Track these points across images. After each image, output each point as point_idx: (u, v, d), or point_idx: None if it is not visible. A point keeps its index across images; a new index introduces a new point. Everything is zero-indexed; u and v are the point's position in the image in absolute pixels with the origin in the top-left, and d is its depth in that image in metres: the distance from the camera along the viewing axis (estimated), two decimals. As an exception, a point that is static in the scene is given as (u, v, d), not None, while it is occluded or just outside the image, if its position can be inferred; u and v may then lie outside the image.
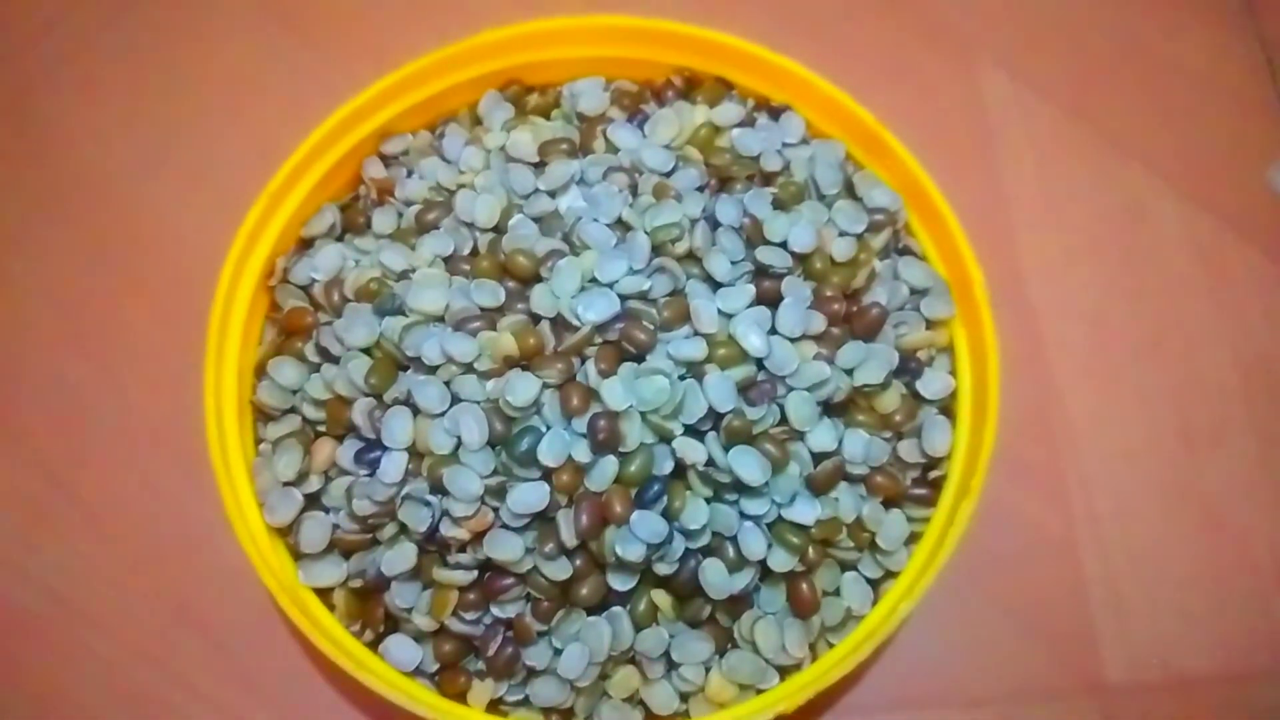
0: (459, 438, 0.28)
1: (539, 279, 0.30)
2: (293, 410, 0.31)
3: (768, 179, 0.32)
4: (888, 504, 0.30)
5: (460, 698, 0.28)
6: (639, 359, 0.28)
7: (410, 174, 0.34)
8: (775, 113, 0.34)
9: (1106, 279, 0.38)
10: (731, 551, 0.28)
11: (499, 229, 0.31)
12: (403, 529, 0.28)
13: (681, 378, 0.28)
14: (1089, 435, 0.35)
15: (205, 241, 0.33)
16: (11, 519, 0.34)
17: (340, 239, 0.33)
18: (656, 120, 0.33)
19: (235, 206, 0.32)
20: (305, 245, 0.33)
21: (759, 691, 0.28)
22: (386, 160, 0.34)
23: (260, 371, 0.31)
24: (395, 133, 0.34)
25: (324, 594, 0.29)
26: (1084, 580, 0.33)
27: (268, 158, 0.32)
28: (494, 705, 0.28)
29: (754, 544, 0.28)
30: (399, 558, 0.28)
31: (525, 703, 0.29)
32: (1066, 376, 0.36)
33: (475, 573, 0.28)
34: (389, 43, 0.35)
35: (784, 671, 0.29)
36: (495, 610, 0.28)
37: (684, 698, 0.29)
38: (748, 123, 0.34)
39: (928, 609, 0.33)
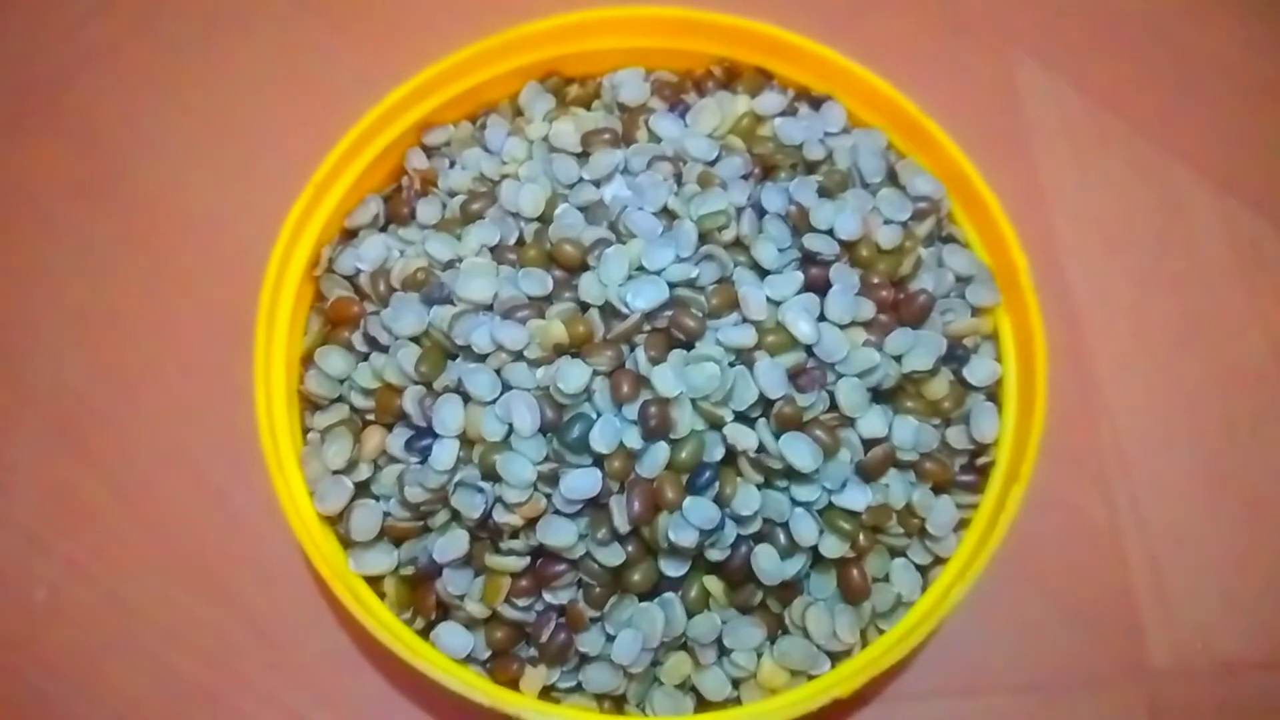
0: (510, 425, 0.28)
1: (586, 267, 0.30)
2: (340, 399, 0.31)
3: (811, 168, 0.33)
4: (937, 490, 0.30)
5: (513, 684, 0.28)
6: (688, 346, 0.28)
7: (453, 165, 0.34)
8: (816, 102, 0.34)
9: (1145, 269, 0.38)
10: (783, 538, 0.28)
11: (544, 218, 0.31)
12: (455, 516, 0.28)
13: (731, 364, 0.28)
14: (1130, 423, 0.36)
15: (246, 233, 0.33)
16: (57, 510, 0.34)
17: (384, 229, 0.33)
18: (698, 110, 0.33)
19: (276, 199, 0.32)
20: (349, 236, 0.33)
21: (810, 677, 0.28)
22: (429, 151, 0.34)
23: (307, 361, 0.31)
24: (437, 124, 0.34)
25: (374, 582, 0.29)
26: (1128, 566, 0.34)
27: (308, 150, 0.32)
28: (546, 692, 0.28)
29: (805, 530, 0.28)
30: (451, 544, 0.28)
31: (578, 689, 0.28)
32: (1107, 365, 0.36)
33: (528, 559, 0.28)
34: (428, 36, 0.35)
35: (835, 657, 0.29)
36: (548, 596, 0.28)
37: (735, 684, 0.29)
38: (789, 112, 0.34)
39: (973, 596, 0.33)
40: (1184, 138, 0.40)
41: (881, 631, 0.29)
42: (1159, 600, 0.33)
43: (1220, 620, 0.33)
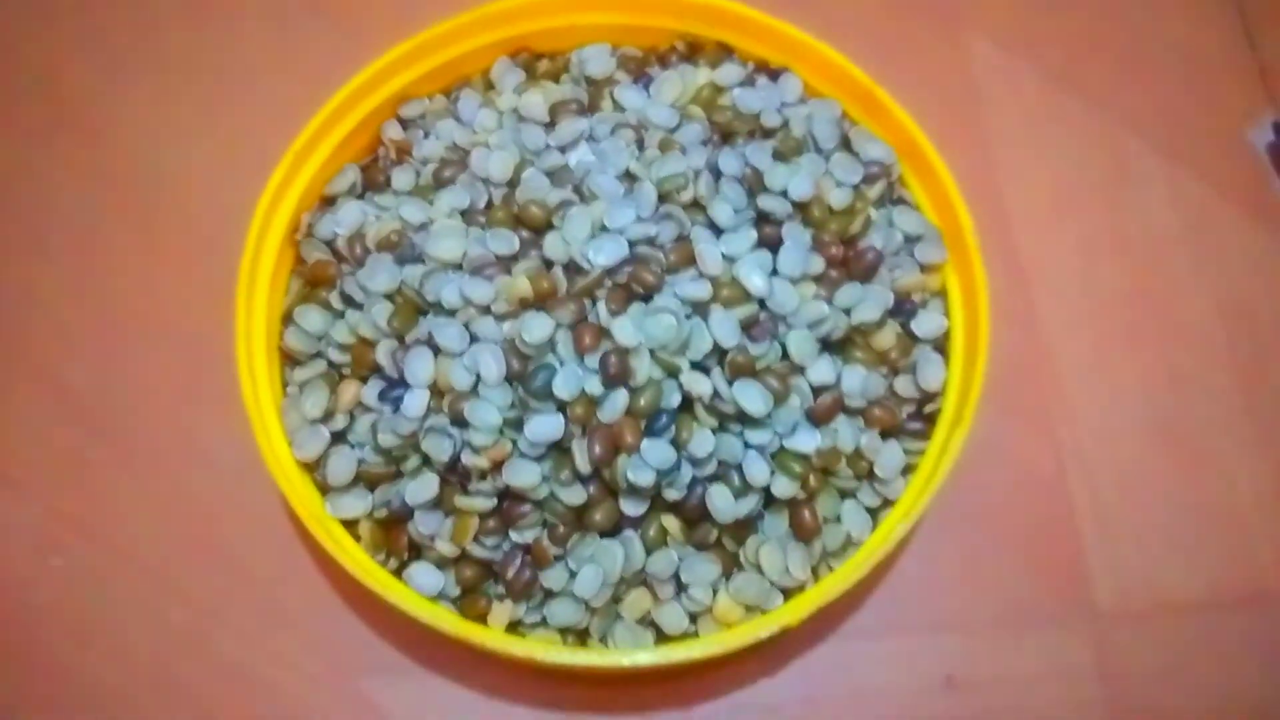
0: (478, 374, 0.29)
1: (551, 227, 0.31)
2: (318, 355, 0.32)
3: (768, 134, 0.34)
4: (885, 435, 0.31)
5: (481, 620, 0.30)
6: (647, 299, 0.30)
7: (427, 135, 0.35)
8: (774, 74, 0.36)
9: (1093, 233, 0.39)
10: (736, 478, 0.29)
11: (512, 183, 0.33)
12: (425, 460, 0.30)
13: (688, 316, 0.29)
14: (1077, 378, 0.37)
15: (231, 202, 0.34)
16: (51, 464, 0.35)
17: (361, 197, 0.35)
18: (661, 82, 0.35)
19: (259, 170, 0.33)
20: (328, 203, 0.35)
21: (764, 612, 0.30)
22: (404, 123, 0.36)
23: (287, 319, 0.33)
24: (412, 97, 0.36)
25: (350, 526, 0.31)
26: (1074, 513, 0.35)
27: (290, 123, 0.34)
28: (513, 626, 0.30)
29: (757, 471, 0.29)
30: (422, 488, 0.30)
31: (543, 623, 0.30)
32: (1055, 325, 0.38)
33: (495, 500, 0.29)
34: (404, 13, 0.36)
35: (787, 593, 0.30)
36: (514, 535, 0.29)
37: (693, 618, 0.30)
38: (748, 83, 0.35)
39: (926, 540, 0.34)
40: (1134, 109, 0.41)
41: (832, 569, 0.30)
42: (1104, 544, 0.35)
43: (1163, 563, 0.34)
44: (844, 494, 0.31)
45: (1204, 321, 0.38)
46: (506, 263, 0.31)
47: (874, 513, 0.31)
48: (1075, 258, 0.39)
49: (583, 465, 0.28)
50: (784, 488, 0.29)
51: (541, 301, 0.30)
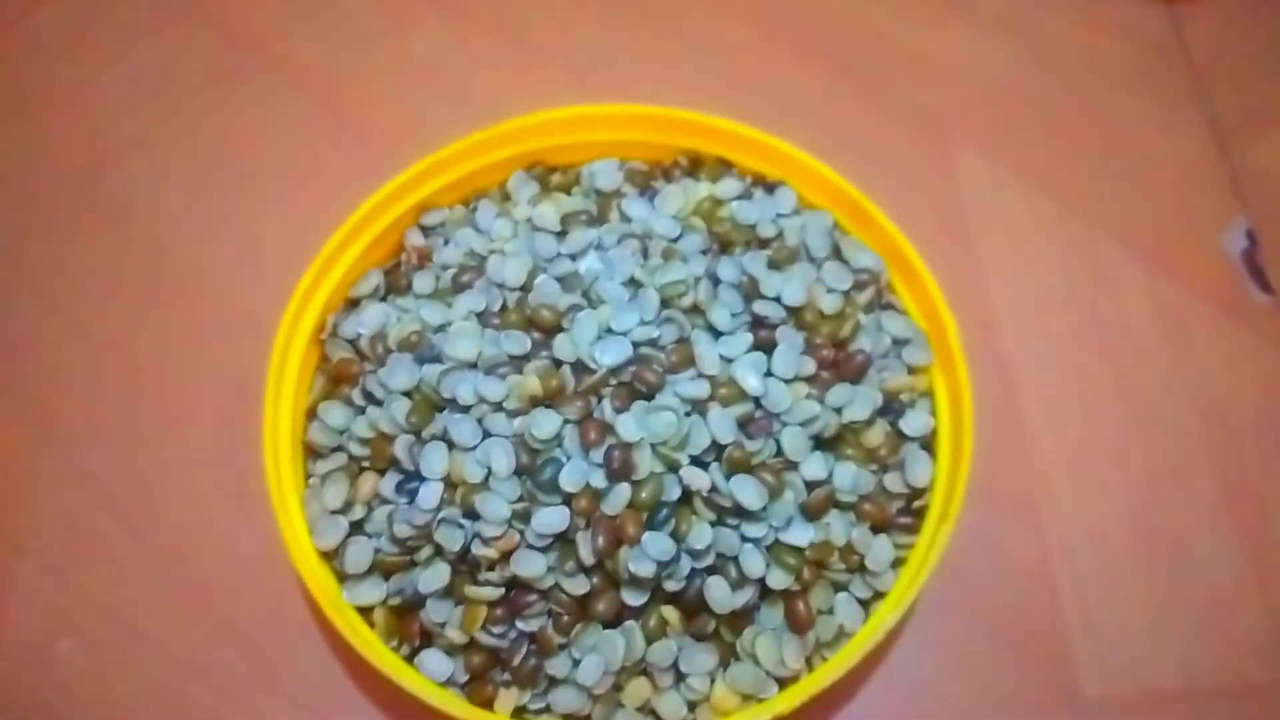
0: (489, 468, 0.31)
1: (561, 329, 0.33)
2: (339, 449, 0.34)
3: (764, 244, 0.37)
4: (875, 530, 0.33)
5: (487, 706, 0.31)
6: (649, 397, 0.32)
7: (447, 242, 0.38)
8: (770, 187, 0.39)
9: (1075, 335, 0.41)
10: (734, 571, 0.31)
11: (525, 288, 0.35)
12: (438, 551, 0.31)
13: (687, 414, 0.31)
14: (1061, 475, 0.38)
15: (259, 303, 0.37)
16: (77, 547, 0.37)
17: (384, 299, 0.37)
18: (665, 195, 0.37)
19: (287, 273, 0.36)
20: (353, 304, 0.37)
21: (760, 701, 0.31)
22: (426, 231, 0.39)
23: (311, 414, 0.35)
24: (433, 207, 0.39)
25: (365, 613, 0.32)
26: (1060, 605, 0.36)
27: (317, 229, 0.36)
28: (518, 712, 0.31)
29: (754, 564, 0.31)
30: (434, 577, 0.31)
31: (547, 710, 0.31)
32: (1039, 423, 0.39)
33: (503, 589, 0.31)
34: (427, 129, 0.39)
35: (782, 683, 0.31)
36: (520, 624, 0.31)
37: (691, 706, 0.31)
38: (746, 196, 0.38)
39: (916, 632, 0.36)
40: (1113, 217, 0.44)
41: (826, 659, 0.32)
42: (1090, 635, 0.36)
43: (1147, 653, 0.35)
44: (837, 586, 0.32)
45: (1180, 419, 0.40)
46: (519, 362, 0.33)
47: (865, 604, 0.32)
48: (1058, 359, 0.41)
49: (586, 556, 0.30)
50: (779, 580, 0.31)
51: (550, 399, 0.32)
